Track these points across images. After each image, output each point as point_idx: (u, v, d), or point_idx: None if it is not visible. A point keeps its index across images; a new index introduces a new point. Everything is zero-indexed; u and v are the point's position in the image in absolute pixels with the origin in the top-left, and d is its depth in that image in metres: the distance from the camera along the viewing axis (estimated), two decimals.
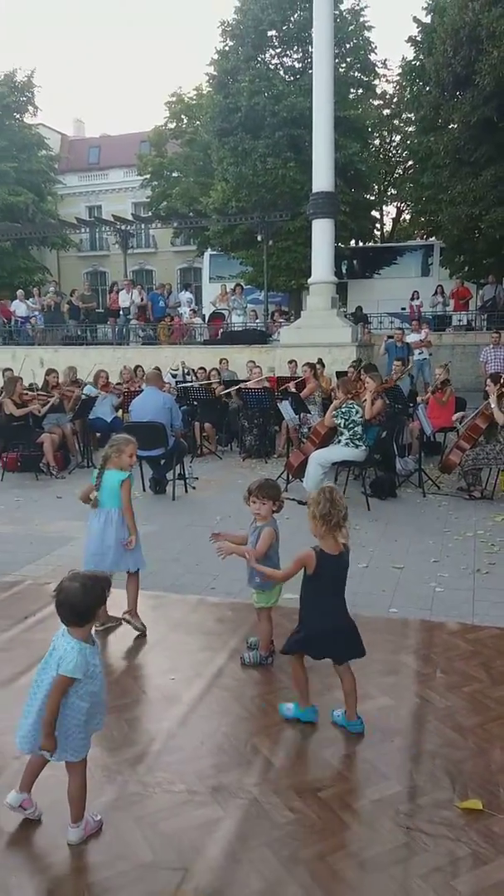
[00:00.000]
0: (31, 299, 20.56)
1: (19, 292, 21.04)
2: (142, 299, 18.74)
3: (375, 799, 2.72)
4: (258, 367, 11.26)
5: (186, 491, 8.15)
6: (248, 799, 2.73)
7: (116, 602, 4.65)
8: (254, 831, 2.56)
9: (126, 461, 4.19)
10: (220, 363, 12.73)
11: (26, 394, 9.93)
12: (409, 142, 25.06)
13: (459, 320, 19.43)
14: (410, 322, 16.22)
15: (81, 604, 2.50)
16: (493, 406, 7.37)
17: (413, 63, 21.94)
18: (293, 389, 10.08)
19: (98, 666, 2.57)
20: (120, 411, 10.47)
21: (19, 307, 20.13)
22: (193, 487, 8.32)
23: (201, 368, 12.53)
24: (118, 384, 11.57)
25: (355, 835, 2.53)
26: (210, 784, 2.83)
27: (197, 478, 8.62)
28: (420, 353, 14.31)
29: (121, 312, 18.77)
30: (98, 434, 10.36)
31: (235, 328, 17.60)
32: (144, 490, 8.21)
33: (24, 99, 29.00)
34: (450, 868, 2.37)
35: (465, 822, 2.59)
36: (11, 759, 2.99)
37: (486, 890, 2.28)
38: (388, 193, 29.48)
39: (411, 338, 14.54)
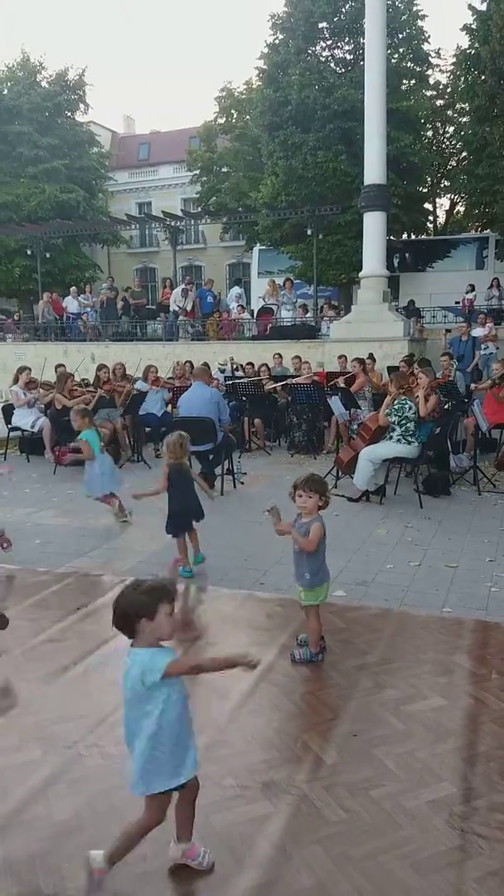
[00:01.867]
0: (82, 296, 20.86)
1: (72, 289, 21.38)
2: (193, 306, 18.67)
3: (429, 800, 2.67)
4: (306, 362, 11.19)
5: (235, 486, 8.16)
6: (298, 796, 2.71)
7: None
8: (305, 828, 2.54)
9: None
10: (274, 358, 12.71)
11: (76, 389, 10.09)
12: (463, 133, 24.49)
13: None
14: (466, 317, 15.84)
15: (126, 608, 2.27)
16: None
17: (468, 52, 21.39)
18: (342, 384, 9.99)
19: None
20: (169, 406, 10.54)
21: (71, 304, 20.46)
22: (242, 483, 8.32)
23: (249, 364, 12.52)
24: (169, 379, 11.66)
25: (408, 835, 2.49)
26: (260, 780, 2.81)
27: (245, 473, 8.62)
28: (486, 348, 13.99)
29: (172, 310, 18.89)
30: (148, 429, 10.46)
31: (284, 323, 17.54)
32: None
33: (76, 97, 29.42)
34: None
35: None
36: (63, 748, 3.04)
37: None
38: (442, 185, 28.91)
39: (476, 332, 14.21)
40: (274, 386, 11.07)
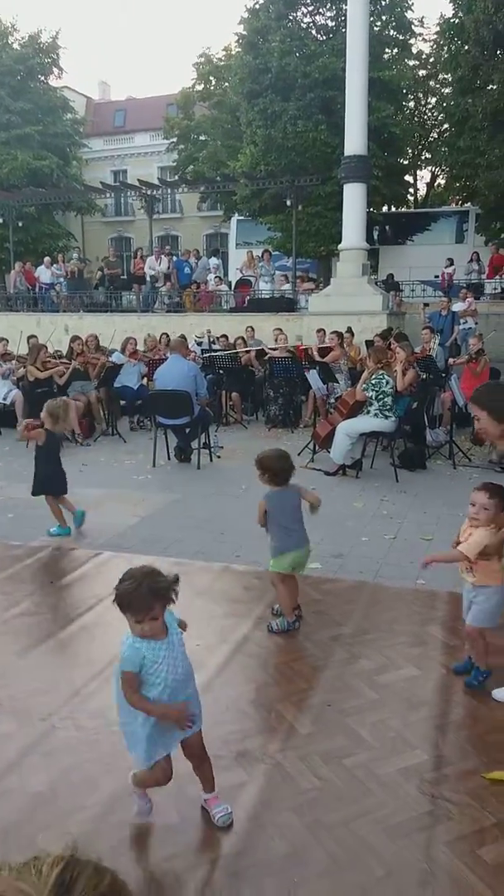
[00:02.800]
0: (55, 266, 20.49)
1: (46, 259, 21.00)
2: (169, 267, 18.57)
3: (401, 767, 2.71)
4: (284, 334, 11.12)
5: (211, 460, 8.14)
6: (272, 764, 2.74)
7: None
8: (278, 796, 2.57)
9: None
10: (247, 331, 12.61)
11: (49, 361, 9.95)
12: (445, 104, 24.27)
13: (494, 288, 18.99)
14: (445, 291, 15.85)
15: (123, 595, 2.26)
16: None
17: (451, 21, 21.10)
18: (317, 356, 9.93)
19: (162, 670, 2.27)
20: (145, 379, 10.45)
21: (44, 273, 20.09)
22: (219, 456, 8.30)
23: (223, 336, 12.43)
24: (144, 353, 11.55)
25: (380, 802, 2.53)
26: (235, 749, 2.84)
27: (222, 447, 8.60)
28: (465, 323, 14.02)
29: (147, 279, 18.64)
30: (123, 402, 10.37)
31: (263, 295, 17.40)
32: (169, 458, 8.22)
33: (49, 61, 28.58)
34: (476, 837, 2.36)
35: (492, 792, 2.57)
36: (37, 720, 3.04)
37: None
38: (423, 158, 28.73)
39: (456, 307, 14.23)
40: (249, 350, 10.98)
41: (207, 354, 11.38)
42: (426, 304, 15.63)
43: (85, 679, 3.38)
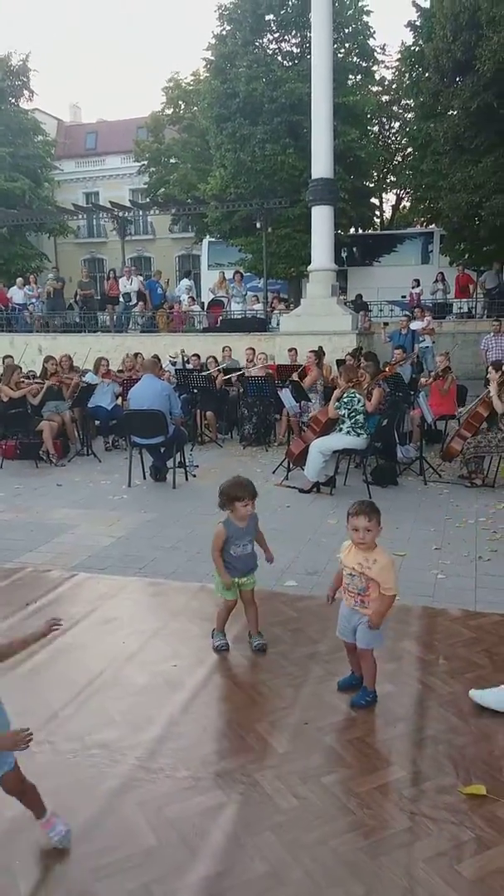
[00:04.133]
0: (27, 286, 20.44)
1: (18, 280, 20.92)
2: (141, 287, 18.66)
3: (379, 784, 2.72)
4: (262, 353, 11.19)
5: (187, 479, 8.13)
6: (251, 784, 2.73)
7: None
8: (257, 816, 2.56)
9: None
10: (224, 351, 12.68)
11: (22, 381, 9.90)
12: (408, 128, 24.87)
13: (460, 308, 19.36)
14: (412, 310, 16.13)
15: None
16: (493, 394, 7.34)
17: (412, 48, 21.69)
18: (296, 379, 10.02)
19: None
20: (120, 399, 10.44)
21: (16, 294, 20.02)
22: (194, 475, 8.30)
23: (195, 356, 12.48)
24: (119, 371, 11.54)
25: (359, 820, 2.54)
26: (213, 770, 2.83)
27: (197, 465, 8.61)
28: (423, 340, 14.26)
29: (120, 299, 18.68)
30: (97, 422, 10.34)
31: (235, 316, 17.52)
32: (145, 478, 8.20)
33: (20, 83, 28.67)
34: (454, 852, 2.37)
35: (469, 807, 2.59)
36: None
37: (490, 874, 2.28)
38: (388, 181, 29.31)
39: (413, 325, 14.49)
40: (228, 377, 11.04)
41: (181, 372, 11.40)
42: (386, 324, 15.90)
43: (63, 702, 3.35)
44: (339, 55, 21.10)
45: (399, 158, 28.53)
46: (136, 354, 12.56)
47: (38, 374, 10.90)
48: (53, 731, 3.11)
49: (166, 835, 2.48)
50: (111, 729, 3.13)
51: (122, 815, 2.58)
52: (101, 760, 2.91)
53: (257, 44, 21.97)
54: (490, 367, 7.82)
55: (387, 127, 28.79)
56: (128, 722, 3.18)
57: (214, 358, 11.92)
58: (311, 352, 10.41)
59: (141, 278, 19.67)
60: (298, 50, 22.15)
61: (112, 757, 2.93)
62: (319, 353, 10.45)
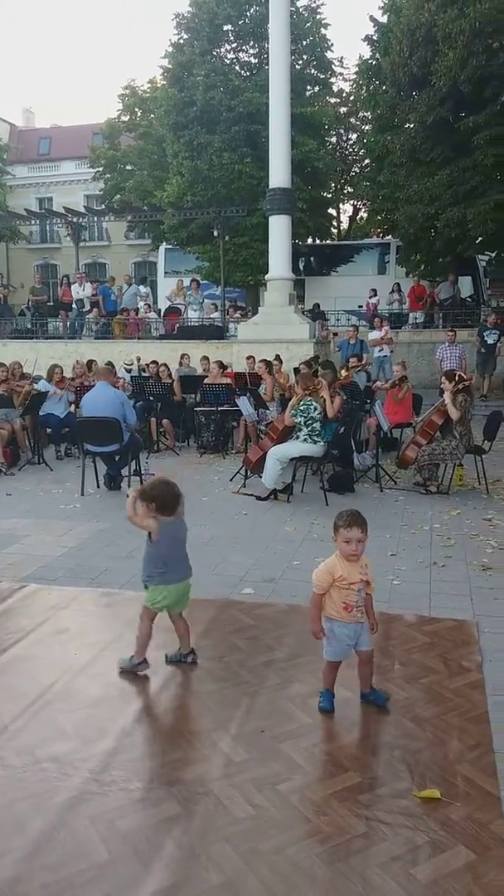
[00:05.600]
0: None
1: None
2: (94, 293, 18.49)
3: (335, 791, 2.71)
4: (216, 361, 11.14)
5: None
6: (206, 794, 2.69)
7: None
8: (212, 826, 2.52)
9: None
10: (181, 359, 12.62)
11: None
12: (365, 140, 25.25)
13: (416, 318, 19.69)
14: (370, 320, 16.33)
15: None
16: (447, 402, 7.46)
17: (369, 62, 22.08)
18: (253, 387, 10.03)
19: None
20: (73, 407, 10.29)
21: None
22: None
23: (153, 362, 12.41)
24: (71, 379, 11.37)
25: (315, 827, 2.52)
26: (167, 781, 2.78)
27: (153, 474, 8.51)
28: (381, 350, 14.43)
29: (73, 306, 18.48)
30: (49, 430, 10.17)
31: (192, 323, 17.48)
32: (99, 486, 8.09)
33: None
34: (409, 857, 2.37)
35: (424, 810, 2.60)
36: None
37: (444, 877, 2.29)
38: (345, 191, 29.67)
39: (372, 335, 14.66)
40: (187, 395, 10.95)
41: (137, 379, 11.29)
42: (335, 334, 16.10)
43: (13, 715, 3.26)
44: (297, 66, 21.34)
45: (356, 170, 28.93)
46: (89, 361, 12.41)
47: None
48: (3, 745, 3.03)
49: (119, 848, 2.42)
50: (63, 742, 3.05)
51: (73, 830, 2.52)
52: (53, 774, 2.83)
53: (215, 53, 22.07)
54: (443, 377, 7.95)
55: (344, 138, 29.18)
56: (80, 735, 3.11)
57: (167, 366, 11.77)
58: (261, 361, 10.44)
59: (94, 284, 19.51)
60: (256, 60, 22.33)
61: (63, 770, 2.86)
62: (270, 363, 10.50)
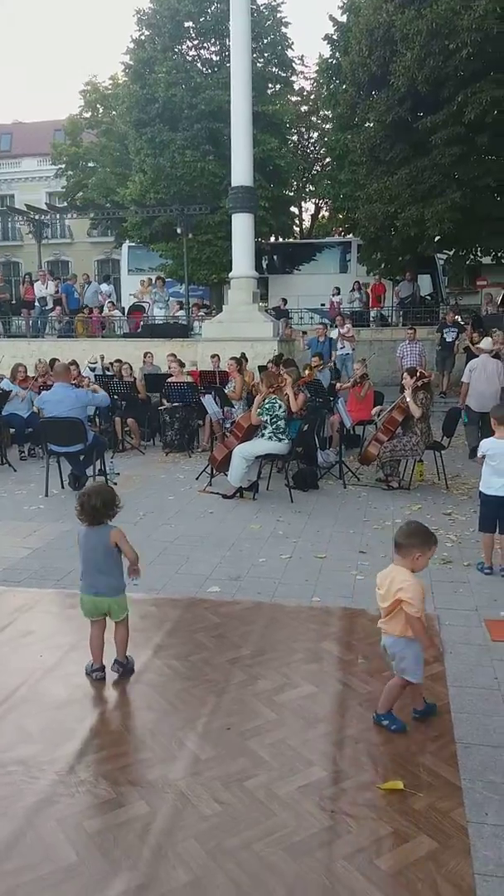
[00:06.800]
0: None
1: None
2: (56, 291, 18.28)
3: (300, 785, 2.75)
4: (177, 361, 11.10)
5: None
6: (174, 793, 2.71)
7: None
8: (180, 825, 2.54)
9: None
10: (145, 357, 12.54)
11: None
12: (326, 139, 25.37)
13: (374, 317, 19.86)
14: (332, 319, 16.40)
15: None
16: (408, 399, 7.57)
17: (329, 61, 22.18)
18: (219, 385, 10.04)
19: None
20: (36, 406, 10.17)
21: None
22: (115, 483, 8.16)
23: (117, 361, 12.31)
24: (33, 378, 11.23)
25: (281, 821, 2.56)
26: (135, 780, 2.79)
27: (118, 473, 8.49)
28: (342, 348, 14.55)
29: (36, 304, 18.24)
30: (13, 430, 10.04)
31: (157, 321, 17.40)
32: (63, 487, 8.02)
33: None
34: (373, 848, 2.42)
35: (387, 802, 2.66)
36: None
37: (408, 867, 2.34)
38: (307, 190, 29.79)
39: (334, 333, 14.77)
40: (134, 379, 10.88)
41: (100, 377, 11.19)
42: (304, 332, 16.16)
43: None
44: (259, 64, 21.35)
45: (318, 168, 29.07)
46: (52, 360, 12.27)
47: None
48: None
49: (87, 850, 2.43)
50: (29, 745, 3.04)
51: (41, 832, 2.52)
52: (20, 777, 2.82)
53: (177, 50, 21.97)
54: (405, 374, 8.06)
55: (306, 137, 29.31)
56: (46, 737, 3.10)
57: (130, 366, 11.67)
58: (231, 359, 10.44)
59: (57, 282, 19.29)
60: (218, 58, 22.28)
61: (30, 773, 2.85)
62: (241, 360, 10.51)
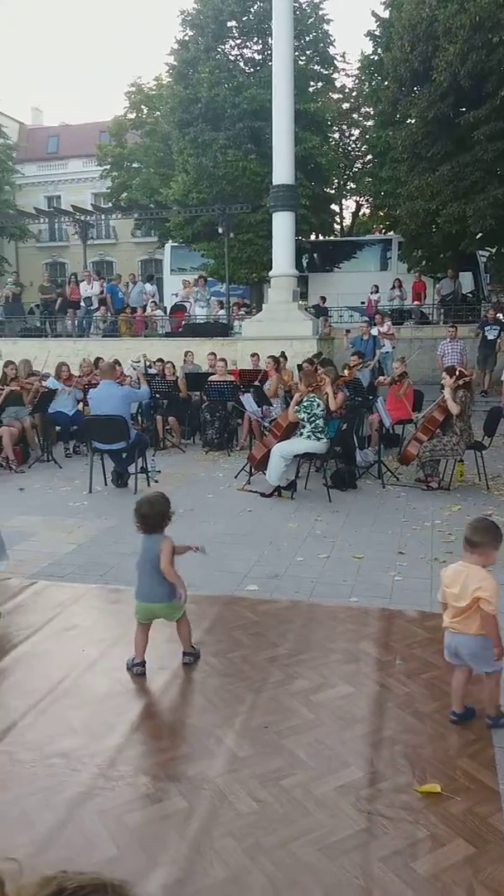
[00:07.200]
0: None
1: None
2: (102, 291, 18.54)
3: (337, 785, 2.76)
4: (222, 359, 11.18)
5: (149, 484, 8.10)
6: (211, 790, 2.75)
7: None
8: (217, 821, 2.58)
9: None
10: (186, 356, 12.65)
11: None
12: (367, 136, 25.19)
13: (414, 314, 19.65)
14: (371, 317, 16.28)
15: None
16: (447, 398, 7.49)
17: (371, 57, 22.01)
18: (258, 383, 10.07)
19: None
20: (81, 404, 10.35)
21: None
22: (156, 481, 8.28)
23: (159, 360, 12.45)
24: (78, 377, 11.43)
25: (317, 821, 2.57)
26: (174, 776, 2.84)
27: (159, 471, 8.59)
28: (382, 346, 14.44)
29: (81, 304, 18.53)
30: (58, 428, 10.24)
31: (198, 320, 17.52)
32: (106, 484, 8.15)
33: None
34: (409, 850, 2.42)
35: (424, 805, 2.65)
36: None
37: (444, 870, 2.33)
38: (348, 187, 29.61)
39: (373, 330, 14.66)
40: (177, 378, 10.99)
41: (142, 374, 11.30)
42: (348, 331, 16.06)
43: (22, 711, 3.32)
44: (301, 62, 21.30)
45: (359, 165, 28.85)
46: (96, 359, 12.46)
47: None
48: (13, 741, 3.09)
49: (126, 843, 2.48)
50: (71, 738, 3.11)
51: (81, 825, 2.58)
52: (61, 770, 2.89)
53: (220, 50, 22.05)
54: (444, 372, 7.97)
55: (347, 134, 29.11)
56: (88, 730, 3.17)
57: (172, 364, 11.81)
58: (269, 357, 10.47)
59: (102, 282, 19.56)
60: (260, 56, 22.29)
61: (72, 766, 2.92)
62: (278, 359, 10.52)
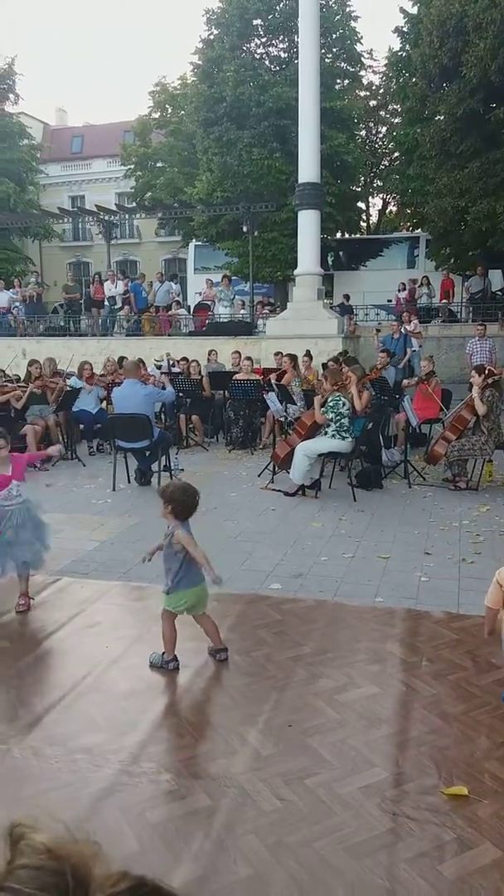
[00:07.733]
0: (11, 290, 20.33)
1: (0, 283, 20.83)
2: (126, 290, 18.64)
3: (362, 786, 2.73)
4: (248, 358, 11.16)
5: None
6: (235, 787, 2.73)
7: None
8: (241, 819, 2.56)
9: None
10: (209, 355, 12.66)
11: (6, 386, 9.86)
12: (395, 133, 25.01)
13: (442, 312, 19.47)
14: (399, 315, 16.16)
15: None
16: (474, 397, 7.39)
17: (399, 54, 21.86)
18: (275, 380, 10.05)
19: None
20: (104, 403, 10.41)
21: (1, 298, 19.93)
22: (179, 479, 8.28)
23: (183, 359, 12.47)
24: (101, 376, 11.49)
25: (342, 821, 2.54)
26: (197, 773, 2.82)
27: (182, 469, 8.59)
28: (411, 345, 14.31)
29: (105, 303, 18.64)
30: (82, 426, 10.30)
31: (221, 319, 17.53)
32: (129, 482, 8.18)
33: (5, 87, 28.60)
34: (436, 853, 2.38)
35: (451, 807, 2.60)
36: None
37: (471, 874, 2.29)
38: (374, 185, 29.43)
39: (403, 329, 14.52)
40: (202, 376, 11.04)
41: (165, 374, 11.35)
42: (378, 330, 15.95)
43: (46, 707, 3.34)
44: (327, 60, 21.22)
45: (386, 163, 28.68)
46: (120, 358, 12.52)
47: (21, 378, 10.85)
48: (37, 736, 3.10)
49: (149, 839, 2.47)
50: (94, 734, 3.12)
51: (104, 821, 2.58)
52: (85, 765, 2.90)
53: (245, 48, 22.06)
54: (473, 371, 7.87)
55: (374, 131, 28.96)
56: (111, 726, 3.17)
57: (197, 362, 11.83)
58: (286, 355, 10.48)
59: (126, 281, 19.67)
60: (286, 55, 22.26)
61: (95, 762, 2.92)
62: (295, 357, 10.51)
